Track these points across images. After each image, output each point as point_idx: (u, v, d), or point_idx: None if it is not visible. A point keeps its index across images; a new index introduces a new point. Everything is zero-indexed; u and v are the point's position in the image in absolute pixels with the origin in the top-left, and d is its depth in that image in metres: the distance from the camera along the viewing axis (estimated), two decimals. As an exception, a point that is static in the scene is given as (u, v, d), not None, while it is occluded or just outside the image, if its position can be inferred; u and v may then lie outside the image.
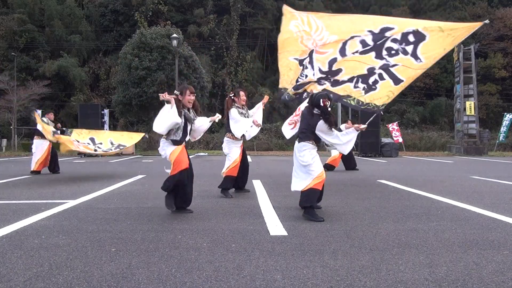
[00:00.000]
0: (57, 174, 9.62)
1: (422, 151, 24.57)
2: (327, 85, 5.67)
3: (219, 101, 32.28)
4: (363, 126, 4.84)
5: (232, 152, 5.98)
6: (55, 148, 9.78)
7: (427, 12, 39.04)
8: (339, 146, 4.64)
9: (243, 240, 3.49)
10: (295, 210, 4.91)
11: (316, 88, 5.71)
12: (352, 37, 5.57)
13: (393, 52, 5.52)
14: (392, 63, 5.53)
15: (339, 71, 5.64)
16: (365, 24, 5.62)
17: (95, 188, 6.88)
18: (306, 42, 5.84)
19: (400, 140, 22.62)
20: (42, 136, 9.33)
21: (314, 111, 4.42)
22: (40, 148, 9.44)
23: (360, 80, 5.59)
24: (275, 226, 4.00)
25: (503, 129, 24.04)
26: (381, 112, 5.66)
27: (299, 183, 4.51)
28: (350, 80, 5.60)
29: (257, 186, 7.14)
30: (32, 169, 9.50)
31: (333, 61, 5.67)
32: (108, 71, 33.31)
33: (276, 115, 31.15)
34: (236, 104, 5.90)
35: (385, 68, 5.55)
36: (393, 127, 23.26)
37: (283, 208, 5.01)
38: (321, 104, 4.35)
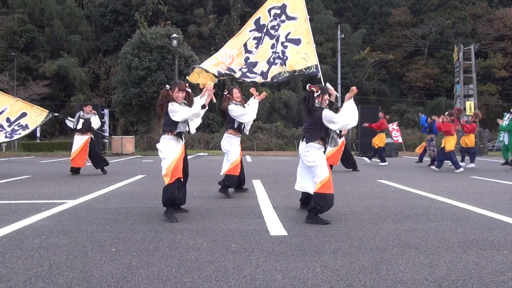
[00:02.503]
0: (97, 170, 9.49)
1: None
2: (259, 78, 6.02)
3: (219, 101, 32.26)
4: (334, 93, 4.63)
5: (233, 149, 5.97)
6: (93, 146, 9.42)
7: (427, 12, 39.03)
8: (347, 122, 4.15)
9: (243, 240, 3.49)
10: (295, 210, 4.91)
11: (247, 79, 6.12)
12: (245, 43, 6.25)
13: (277, 27, 6.17)
14: (283, 34, 6.11)
15: (255, 63, 6.11)
16: (247, 28, 6.37)
17: (95, 188, 6.88)
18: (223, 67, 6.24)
19: (400, 140, 22.60)
20: (81, 131, 9.17)
21: (314, 105, 4.28)
22: (75, 143, 9.20)
23: (273, 60, 6.10)
24: (275, 226, 4.00)
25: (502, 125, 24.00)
26: (318, 75, 5.79)
27: (304, 184, 4.50)
28: (269, 64, 6.08)
29: (257, 186, 7.14)
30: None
31: (247, 59, 6.17)
32: (108, 71, 33.33)
33: (276, 115, 31.14)
34: (233, 102, 5.92)
35: (282, 43, 6.09)
36: (393, 127, 23.22)
37: (283, 208, 5.01)
38: (307, 88, 4.34)
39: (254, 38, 6.30)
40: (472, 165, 11.64)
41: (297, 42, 6.02)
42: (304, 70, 5.84)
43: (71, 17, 34.96)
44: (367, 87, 36.50)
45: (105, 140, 20.90)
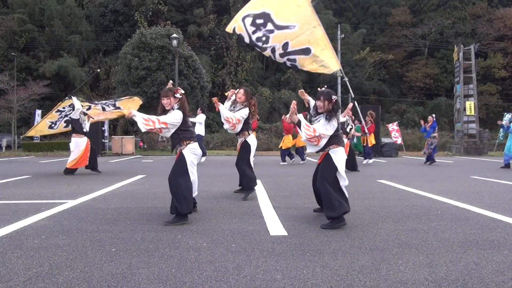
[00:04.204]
0: (95, 173, 9.49)
1: (422, 151, 24.55)
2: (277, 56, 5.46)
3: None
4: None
5: None
6: (94, 146, 9.74)
7: (427, 12, 39.03)
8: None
9: (243, 240, 3.49)
10: (295, 210, 4.92)
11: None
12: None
13: (264, 39, 5.42)
14: (278, 46, 5.38)
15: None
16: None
17: (95, 188, 6.88)
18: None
19: (399, 141, 22.57)
20: (80, 133, 9.29)
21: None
22: (77, 146, 9.24)
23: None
24: (275, 226, 4.00)
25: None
26: (345, 78, 5.28)
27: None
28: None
29: (257, 186, 7.13)
30: (66, 167, 9.36)
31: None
32: (108, 71, 33.32)
33: (276, 115, 31.14)
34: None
35: (285, 54, 5.41)
36: (393, 127, 23.24)
37: (283, 208, 5.01)
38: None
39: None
40: (368, 161, 13.08)
41: (306, 51, 5.30)
42: (328, 73, 5.31)
43: (71, 17, 34.95)
44: (367, 87, 36.51)
45: (105, 140, 20.90)
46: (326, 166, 4.10)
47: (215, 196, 5.98)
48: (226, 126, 5.70)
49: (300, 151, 13.47)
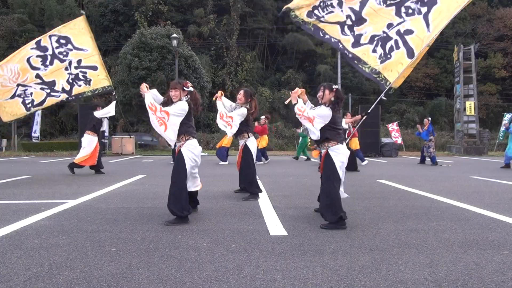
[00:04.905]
0: (97, 174, 9.43)
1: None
2: (349, 40, 5.18)
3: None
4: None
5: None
6: (100, 147, 9.69)
7: (427, 12, 38.99)
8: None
9: (243, 240, 3.49)
10: (295, 210, 4.92)
11: (337, 34, 5.22)
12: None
13: (410, 11, 5.15)
14: (407, 25, 5.12)
15: (363, 21, 5.19)
16: None
17: (95, 188, 6.88)
18: None
19: (399, 141, 22.55)
20: (97, 132, 9.30)
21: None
22: (90, 144, 9.23)
23: (379, 43, 5.16)
24: (275, 226, 4.00)
25: (503, 128, 24.03)
26: (387, 94, 5.13)
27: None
28: (371, 41, 5.18)
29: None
30: (74, 161, 9.29)
31: (363, 4, 5.19)
32: (108, 71, 33.31)
33: (276, 115, 31.16)
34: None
35: (401, 34, 5.14)
36: (393, 127, 23.24)
37: (283, 208, 5.01)
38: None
39: None
40: (363, 162, 12.83)
41: (410, 53, 5.04)
42: (384, 80, 5.01)
43: (71, 17, 34.81)
44: (367, 87, 36.52)
45: (105, 140, 20.88)
46: (328, 166, 4.11)
47: (215, 196, 5.98)
48: (220, 124, 5.68)
49: (263, 151, 14.36)
